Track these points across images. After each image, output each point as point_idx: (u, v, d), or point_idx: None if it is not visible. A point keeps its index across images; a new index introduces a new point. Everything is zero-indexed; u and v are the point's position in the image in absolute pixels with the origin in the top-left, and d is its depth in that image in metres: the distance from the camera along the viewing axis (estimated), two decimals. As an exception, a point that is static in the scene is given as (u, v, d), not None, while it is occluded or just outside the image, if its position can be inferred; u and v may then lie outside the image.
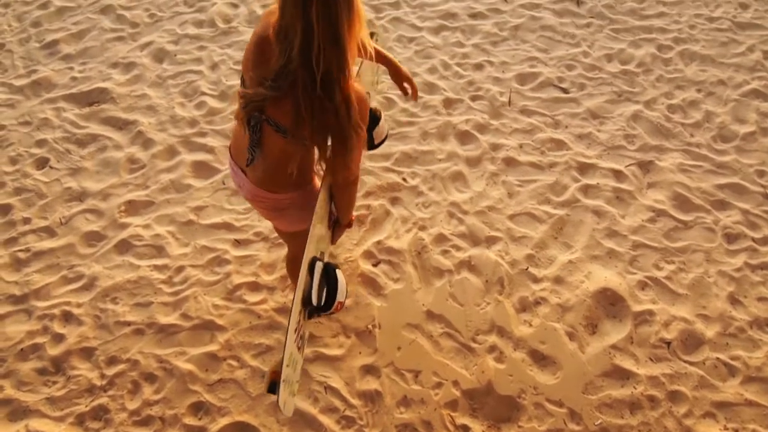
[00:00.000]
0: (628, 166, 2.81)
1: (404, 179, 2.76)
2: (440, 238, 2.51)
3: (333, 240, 1.92)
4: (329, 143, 1.45)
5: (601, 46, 3.44)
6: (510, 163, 2.83)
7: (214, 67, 3.38)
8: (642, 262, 2.45)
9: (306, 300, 1.59)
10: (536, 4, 3.73)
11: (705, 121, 3.03)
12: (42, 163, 2.90)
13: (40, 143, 2.99)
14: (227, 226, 2.59)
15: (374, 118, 1.83)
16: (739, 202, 2.68)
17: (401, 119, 3.05)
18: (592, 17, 3.63)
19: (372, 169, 2.79)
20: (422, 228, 2.55)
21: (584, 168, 2.80)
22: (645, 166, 2.82)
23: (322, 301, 1.59)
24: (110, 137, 3.01)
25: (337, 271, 1.64)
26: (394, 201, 2.67)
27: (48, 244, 2.54)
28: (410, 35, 3.53)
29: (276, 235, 2.50)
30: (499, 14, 3.67)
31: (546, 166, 2.81)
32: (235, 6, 3.79)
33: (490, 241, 2.51)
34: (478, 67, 3.33)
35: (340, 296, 1.64)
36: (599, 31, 3.54)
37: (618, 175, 2.78)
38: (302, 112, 1.35)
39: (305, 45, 1.26)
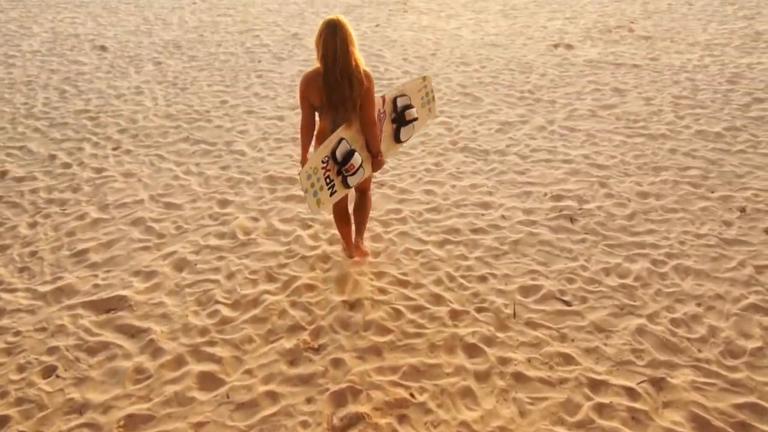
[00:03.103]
0: (639, 383, 2.76)
1: (412, 395, 2.71)
2: (450, 463, 2.37)
3: (375, 168, 3.34)
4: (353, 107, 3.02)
5: (597, 260, 3.63)
6: (519, 378, 2.79)
7: (230, 276, 3.56)
8: (670, 496, 2.26)
9: (331, 154, 3.04)
10: (533, 221, 4.04)
11: (710, 336, 3.05)
12: (49, 372, 2.90)
13: (52, 351, 3.02)
14: (227, 446, 2.48)
15: (406, 105, 3.50)
16: (761, 423, 2.57)
17: (409, 330, 3.10)
18: (586, 233, 3.90)
19: (380, 383, 2.76)
20: (431, 451, 2.43)
21: (595, 385, 2.75)
22: (657, 384, 2.77)
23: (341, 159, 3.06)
24: (121, 345, 3.05)
25: (355, 152, 3.09)
26: (402, 419, 2.58)
27: (37, 463, 2.42)
28: (416, 248, 3.77)
29: (277, 456, 2.40)
30: (498, 230, 3.95)
31: (556, 382, 2.77)
32: (255, 220, 4.12)
33: (504, 467, 2.36)
34: (482, 279, 3.49)
35: (353, 161, 3.07)
36: (594, 246, 3.77)
37: (631, 392, 2.71)
38: (336, 93, 2.94)
39: (334, 54, 2.84)
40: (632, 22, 9.00)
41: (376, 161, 3.29)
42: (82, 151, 5.19)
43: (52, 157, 5.11)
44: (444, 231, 3.95)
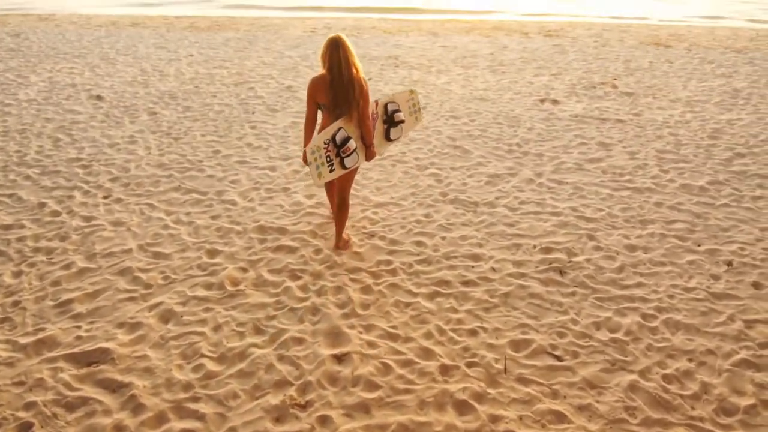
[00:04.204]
0: (633, 442, 2.70)
1: (401, 454, 2.62)
2: None
3: (368, 158, 4.08)
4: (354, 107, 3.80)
5: (588, 314, 3.62)
6: (510, 437, 2.72)
7: (217, 328, 3.50)
8: None
9: (332, 138, 3.77)
10: (522, 273, 4.04)
11: (703, 393, 3.01)
12: (25, 429, 2.79)
13: (29, 406, 2.92)
14: None
15: (395, 113, 4.40)
16: (759, 486, 2.51)
17: (398, 386, 3.04)
18: (575, 286, 3.90)
19: (367, 442, 2.68)
20: None
21: (588, 444, 2.69)
22: (651, 443, 2.71)
23: (339, 141, 3.80)
24: (101, 401, 2.95)
25: (351, 139, 3.83)
26: (390, 481, 2.49)
27: None
28: (406, 300, 3.75)
29: None
30: (488, 282, 3.94)
31: (548, 441, 2.70)
32: (244, 270, 4.09)
33: None
34: (472, 332, 3.45)
35: (349, 145, 3.81)
36: (584, 299, 3.76)
37: (624, 452, 2.65)
38: (340, 95, 3.72)
39: (339, 65, 3.63)
40: (615, 79, 9.33)
41: (369, 151, 4.07)
42: (72, 200, 5.18)
43: (42, 205, 5.09)
44: (434, 283, 3.93)
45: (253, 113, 7.70)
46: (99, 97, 8.36)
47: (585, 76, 9.58)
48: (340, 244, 4.32)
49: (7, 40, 12.63)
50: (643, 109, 7.80)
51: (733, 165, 5.92)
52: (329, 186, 4.38)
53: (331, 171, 3.86)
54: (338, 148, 3.82)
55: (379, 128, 4.33)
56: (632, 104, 8.01)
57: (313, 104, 3.86)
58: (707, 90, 8.65)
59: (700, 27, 15.13)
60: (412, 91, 4.60)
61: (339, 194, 4.16)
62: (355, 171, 4.12)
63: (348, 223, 4.62)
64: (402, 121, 4.42)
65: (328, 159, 3.82)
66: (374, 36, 13.38)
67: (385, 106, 4.37)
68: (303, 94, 8.48)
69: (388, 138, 4.42)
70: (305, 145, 3.82)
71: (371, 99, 4.05)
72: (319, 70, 3.85)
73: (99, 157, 6.17)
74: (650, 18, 17.26)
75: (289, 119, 7.42)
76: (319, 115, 3.99)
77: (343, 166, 3.91)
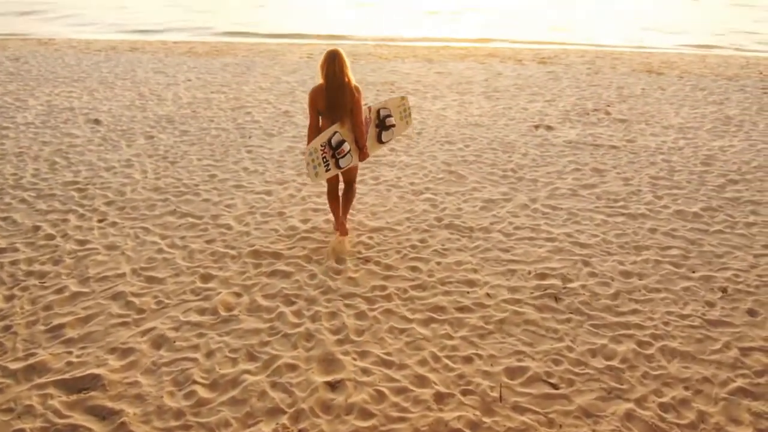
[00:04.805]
0: (630, 473, 2.67)
1: (395, 485, 2.58)
2: None
3: (361, 159, 4.53)
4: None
5: (583, 341, 3.60)
6: (506, 467, 2.69)
7: (209, 354, 3.46)
8: None
9: (328, 141, 4.25)
10: (517, 299, 4.03)
11: (700, 422, 2.99)
12: (11, 459, 2.74)
13: (16, 434, 2.87)
14: None
15: (386, 120, 4.88)
16: None
17: (392, 414, 3.00)
18: (571, 313, 3.89)
19: (361, 472, 2.64)
20: None
21: (585, 475, 2.65)
22: (648, 473, 2.67)
23: (335, 143, 4.32)
24: (90, 429, 2.90)
25: (345, 141, 4.31)
26: None
27: None
28: (401, 327, 3.72)
29: None
30: (483, 308, 3.93)
31: (544, 471, 2.67)
32: (238, 295, 4.07)
33: None
34: (468, 360, 3.43)
35: (343, 147, 4.30)
36: (580, 326, 3.75)
37: (621, 483, 2.62)
38: (334, 101, 4.24)
39: (334, 74, 4.15)
40: (608, 106, 9.45)
41: (362, 153, 4.55)
42: (67, 223, 5.17)
43: (36, 228, 5.07)
44: (429, 309, 3.92)
45: (250, 138, 7.75)
46: (96, 121, 8.40)
47: (578, 102, 9.71)
48: (342, 230, 4.61)
49: (6, 64, 12.73)
50: (637, 135, 7.89)
51: (726, 191, 5.97)
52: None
53: (327, 170, 4.39)
54: (334, 150, 4.33)
55: (371, 132, 4.78)
56: (625, 130, 8.10)
57: (313, 111, 4.34)
58: (699, 117, 8.77)
59: (691, 55, 15.39)
60: (402, 98, 5.00)
61: (346, 181, 4.74)
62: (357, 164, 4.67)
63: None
64: (393, 125, 4.89)
65: (325, 160, 4.34)
66: (370, 62, 13.55)
67: (378, 111, 4.80)
68: (299, 119, 8.56)
69: (380, 141, 4.91)
70: None
71: (364, 107, 4.53)
72: (317, 82, 4.34)
73: (95, 180, 6.18)
74: (643, 46, 17.56)
75: (286, 144, 7.46)
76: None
77: (338, 166, 4.42)
